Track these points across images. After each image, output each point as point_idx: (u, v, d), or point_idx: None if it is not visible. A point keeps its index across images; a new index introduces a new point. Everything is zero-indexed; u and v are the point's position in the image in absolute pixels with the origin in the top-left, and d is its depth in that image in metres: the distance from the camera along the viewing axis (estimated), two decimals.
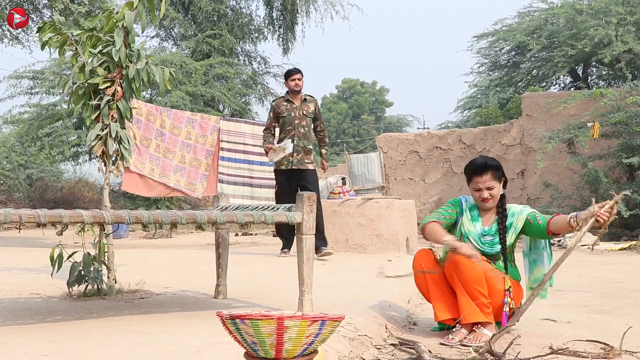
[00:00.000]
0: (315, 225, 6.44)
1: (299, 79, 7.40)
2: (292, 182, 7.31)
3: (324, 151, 7.77)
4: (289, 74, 7.48)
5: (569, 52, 15.35)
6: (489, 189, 3.73)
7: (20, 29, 13.85)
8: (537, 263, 3.88)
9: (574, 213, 3.64)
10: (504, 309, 3.62)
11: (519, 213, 3.78)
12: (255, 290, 4.86)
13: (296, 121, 7.36)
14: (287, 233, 7.47)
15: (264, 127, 7.65)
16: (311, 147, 7.47)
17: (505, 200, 3.82)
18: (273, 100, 7.65)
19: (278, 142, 7.39)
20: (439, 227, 3.71)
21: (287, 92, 7.54)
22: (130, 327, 3.36)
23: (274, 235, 12.66)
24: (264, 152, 7.44)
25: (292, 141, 7.26)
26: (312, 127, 7.54)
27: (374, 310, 4.05)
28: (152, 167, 9.29)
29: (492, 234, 3.75)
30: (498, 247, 3.73)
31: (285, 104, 7.44)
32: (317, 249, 6.99)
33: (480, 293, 3.54)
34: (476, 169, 3.76)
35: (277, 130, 7.58)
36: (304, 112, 7.41)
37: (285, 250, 7.53)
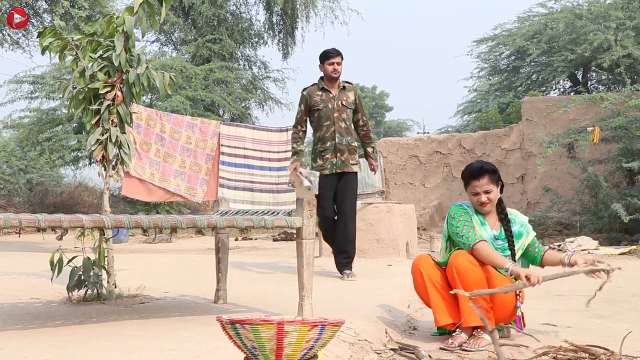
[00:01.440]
0: (344, 238, 6.08)
1: (338, 63, 6.05)
2: (333, 188, 6.10)
3: (370, 149, 6.36)
4: (326, 56, 6.08)
5: (569, 57, 15.37)
6: (486, 192, 3.73)
7: (20, 30, 13.87)
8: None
9: (569, 253, 3.75)
10: (517, 314, 3.66)
11: (525, 228, 3.81)
12: (255, 295, 4.86)
13: (335, 114, 6.03)
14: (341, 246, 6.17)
15: (294, 123, 6.26)
16: (356, 144, 6.19)
17: (503, 205, 3.84)
18: (304, 89, 6.19)
19: (315, 145, 6.14)
20: (492, 249, 3.64)
21: (321, 78, 6.16)
22: (130, 331, 3.36)
23: (274, 240, 12.66)
24: (290, 166, 6.22)
25: (334, 139, 6.01)
26: (353, 120, 6.22)
27: (374, 315, 4.05)
28: (152, 171, 9.29)
29: (502, 238, 3.77)
30: (508, 252, 3.76)
31: (319, 93, 6.09)
32: (341, 271, 6.09)
33: (481, 297, 3.54)
34: (473, 172, 3.77)
35: (311, 126, 6.27)
36: (344, 103, 6.07)
37: (347, 272, 6.07)
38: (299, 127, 6.17)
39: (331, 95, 6.07)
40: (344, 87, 6.14)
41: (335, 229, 6.11)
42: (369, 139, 6.39)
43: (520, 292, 3.68)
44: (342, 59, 6.14)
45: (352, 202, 6.11)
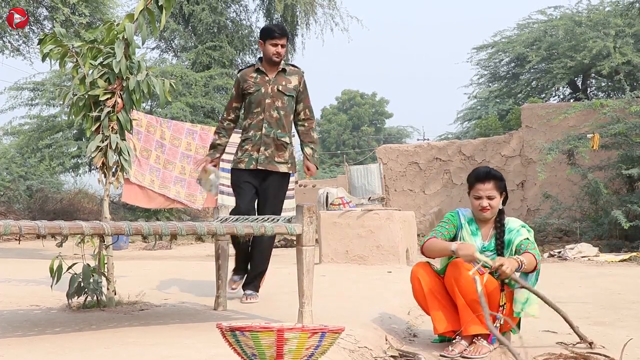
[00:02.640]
0: (259, 253, 5.05)
1: (282, 45, 5.03)
2: (253, 188, 5.02)
3: (308, 150, 5.12)
4: (269, 34, 5.04)
5: (568, 64, 15.40)
6: (489, 198, 3.72)
7: (21, 37, 13.90)
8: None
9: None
10: (495, 324, 3.50)
11: (516, 232, 3.75)
12: (255, 302, 4.86)
13: (267, 100, 4.97)
14: (242, 256, 5.19)
15: (223, 110, 5.43)
16: (287, 140, 5.06)
17: (503, 216, 3.80)
18: (239, 71, 5.23)
19: (240, 134, 5.16)
20: (438, 241, 3.69)
21: (260, 59, 5.16)
22: (130, 338, 3.35)
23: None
24: (199, 164, 5.34)
25: (260, 129, 4.97)
26: (293, 112, 5.13)
27: (374, 322, 4.05)
28: (152, 178, 9.29)
29: (492, 249, 3.73)
30: None
31: (254, 75, 5.06)
32: (243, 288, 5.11)
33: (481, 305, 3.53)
34: (480, 176, 3.77)
35: (243, 115, 5.28)
36: (280, 88, 5.01)
37: (236, 278, 5.18)
38: (226, 116, 5.17)
39: (267, 78, 5.03)
40: (284, 70, 5.07)
41: (253, 239, 5.03)
42: (310, 137, 5.15)
43: (505, 303, 3.61)
44: (288, 40, 5.29)
45: (275, 210, 4.98)
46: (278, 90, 5.01)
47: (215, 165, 5.12)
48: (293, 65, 5.18)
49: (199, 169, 5.20)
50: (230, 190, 9.71)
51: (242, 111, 5.20)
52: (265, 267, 5.16)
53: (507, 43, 18.43)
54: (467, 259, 3.51)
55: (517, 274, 3.55)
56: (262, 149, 4.95)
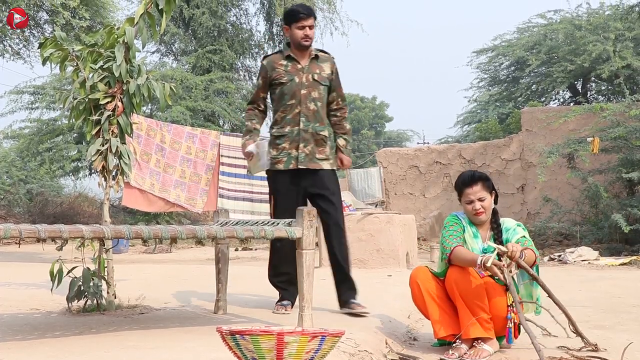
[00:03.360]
0: (337, 253, 4.54)
1: (310, 27, 4.52)
2: (297, 191, 4.52)
3: (341, 142, 4.73)
4: (294, 17, 4.53)
5: (568, 68, 15.41)
6: (480, 200, 3.73)
7: (21, 41, 13.92)
8: (525, 280, 3.82)
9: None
10: (508, 325, 3.62)
11: (512, 231, 3.76)
12: (255, 306, 4.85)
13: (303, 91, 4.51)
14: (284, 283, 4.62)
15: (249, 101, 4.81)
16: (326, 133, 4.63)
17: (498, 216, 3.82)
18: (264, 57, 4.72)
19: (270, 129, 4.70)
20: (465, 250, 3.68)
21: (287, 44, 4.68)
22: (130, 342, 3.35)
23: None
24: (242, 150, 4.71)
25: (297, 124, 4.50)
26: (326, 102, 4.68)
27: (374, 326, 4.04)
28: (152, 182, 9.29)
29: (491, 251, 3.73)
30: None
31: (284, 62, 4.57)
32: (345, 302, 4.51)
33: (480, 308, 3.54)
34: (466, 180, 3.79)
35: (272, 105, 4.79)
36: (316, 77, 4.56)
37: (284, 303, 4.56)
38: (255, 106, 4.73)
39: (299, 66, 4.55)
40: (316, 57, 4.62)
41: (327, 247, 4.63)
42: (342, 128, 4.76)
43: (513, 302, 3.64)
44: (316, 20, 4.67)
45: (339, 205, 4.60)
46: (313, 79, 4.54)
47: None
48: (322, 51, 4.70)
49: (249, 161, 4.70)
50: (230, 194, 9.81)
51: (271, 103, 4.73)
52: (349, 265, 4.64)
53: (507, 47, 18.45)
54: (494, 272, 3.50)
55: (523, 265, 3.58)
56: (301, 145, 4.48)
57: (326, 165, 4.56)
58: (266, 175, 4.65)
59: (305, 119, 4.51)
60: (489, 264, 3.44)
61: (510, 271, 3.55)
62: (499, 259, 3.54)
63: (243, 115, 18.04)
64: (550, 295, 3.67)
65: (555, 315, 3.81)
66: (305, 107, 4.51)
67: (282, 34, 19.28)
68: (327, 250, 4.65)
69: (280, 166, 4.51)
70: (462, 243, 3.75)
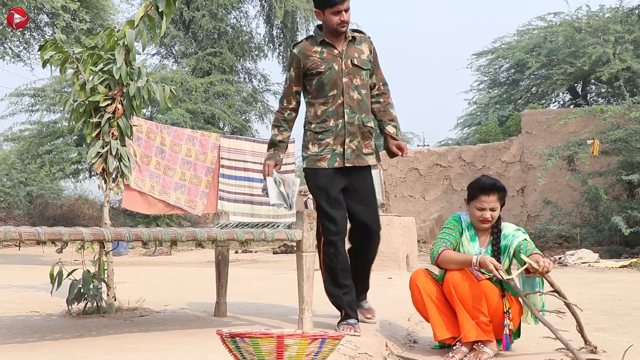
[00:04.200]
0: (370, 261, 4.19)
1: (346, 10, 3.96)
2: (338, 192, 4.00)
3: (391, 129, 4.21)
4: (329, 1, 3.94)
5: (568, 70, 15.43)
6: (492, 210, 3.70)
7: (21, 43, 13.92)
8: (528, 284, 3.81)
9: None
10: (504, 332, 3.61)
11: (512, 237, 3.75)
12: (255, 308, 4.85)
13: (345, 79, 3.98)
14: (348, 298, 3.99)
15: (280, 98, 4.18)
16: (372, 124, 4.15)
17: (500, 221, 3.80)
18: (294, 45, 4.16)
19: (309, 124, 4.07)
20: (454, 253, 3.69)
21: (319, 27, 4.11)
22: (130, 345, 3.35)
23: (274, 253, 12.64)
24: (264, 170, 4.08)
25: (342, 116, 3.98)
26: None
27: (374, 328, 4.04)
28: (153, 184, 9.29)
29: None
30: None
31: (318, 49, 4.02)
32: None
33: (479, 311, 3.53)
34: (486, 187, 3.72)
35: (305, 99, 4.16)
36: (356, 62, 4.03)
37: (350, 321, 3.87)
38: (285, 104, 4.11)
39: (336, 51, 4.01)
40: (353, 39, 4.09)
41: (353, 251, 4.15)
42: (389, 114, 4.21)
43: (510, 308, 3.64)
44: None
45: (376, 207, 4.18)
46: (353, 64, 4.02)
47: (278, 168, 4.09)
48: (358, 31, 4.16)
49: (266, 179, 4.02)
50: (230, 196, 9.80)
51: (305, 96, 4.14)
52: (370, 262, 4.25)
53: (507, 49, 18.47)
54: (489, 269, 3.50)
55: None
56: (347, 140, 3.99)
57: (372, 160, 4.13)
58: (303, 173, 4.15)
59: (350, 109, 3.98)
60: (489, 266, 3.46)
61: (510, 273, 3.56)
62: (528, 273, 3.57)
63: (243, 117, 18.08)
64: (566, 302, 3.69)
65: (561, 316, 3.79)
66: (349, 97, 3.99)
67: (281, 36, 19.33)
68: (354, 256, 4.13)
69: (324, 164, 3.98)
70: (457, 246, 3.75)
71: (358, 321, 3.89)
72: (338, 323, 3.88)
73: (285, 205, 3.94)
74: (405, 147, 4.15)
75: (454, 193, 14.63)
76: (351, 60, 4.01)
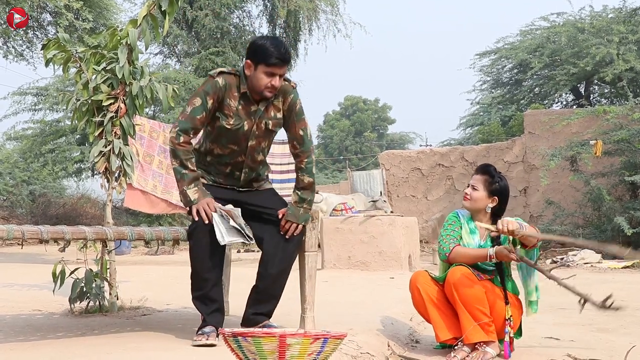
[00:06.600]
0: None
1: (281, 76, 3.53)
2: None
3: (294, 197, 3.66)
4: (266, 58, 3.46)
5: (571, 70, 15.39)
6: (473, 188, 3.79)
7: (24, 42, 13.94)
8: (529, 275, 3.82)
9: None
10: (505, 339, 3.61)
11: None
12: None
13: (251, 142, 3.62)
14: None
15: (180, 125, 3.51)
16: (267, 174, 3.89)
17: (499, 219, 3.81)
18: (218, 73, 3.58)
19: (203, 155, 3.70)
20: (466, 248, 3.74)
21: (244, 75, 3.55)
22: (132, 344, 3.35)
23: None
24: (185, 206, 3.54)
25: (239, 170, 3.68)
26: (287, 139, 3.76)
27: (376, 328, 4.04)
28: (155, 183, 9.30)
29: (489, 247, 3.74)
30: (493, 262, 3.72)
31: (237, 96, 3.56)
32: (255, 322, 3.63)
33: (481, 312, 3.53)
34: (477, 168, 3.91)
35: (206, 133, 3.68)
36: (270, 126, 3.64)
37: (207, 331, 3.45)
38: (190, 136, 3.52)
39: (252, 109, 3.58)
40: (274, 96, 3.61)
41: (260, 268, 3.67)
42: (300, 181, 3.69)
43: (511, 316, 3.64)
44: (289, 67, 3.85)
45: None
46: (267, 128, 3.64)
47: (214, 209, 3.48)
48: (285, 79, 3.64)
49: (211, 219, 3.43)
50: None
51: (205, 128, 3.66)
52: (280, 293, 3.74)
53: (509, 49, 18.43)
54: (509, 259, 3.58)
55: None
56: (234, 181, 3.72)
57: (266, 186, 3.84)
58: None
59: (249, 169, 3.68)
60: (504, 252, 3.54)
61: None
62: (504, 241, 3.64)
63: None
64: (548, 275, 3.60)
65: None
66: (251, 159, 3.66)
67: (284, 36, 19.31)
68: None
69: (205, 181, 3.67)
70: (459, 241, 3.77)
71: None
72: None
73: (243, 239, 3.49)
74: (291, 230, 3.55)
75: (457, 193, 14.61)
76: (265, 124, 3.62)
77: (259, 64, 3.48)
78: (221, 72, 3.58)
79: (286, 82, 3.64)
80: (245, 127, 3.57)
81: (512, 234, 3.49)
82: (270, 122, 3.63)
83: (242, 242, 3.52)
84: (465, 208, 3.85)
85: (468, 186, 3.83)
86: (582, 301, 3.38)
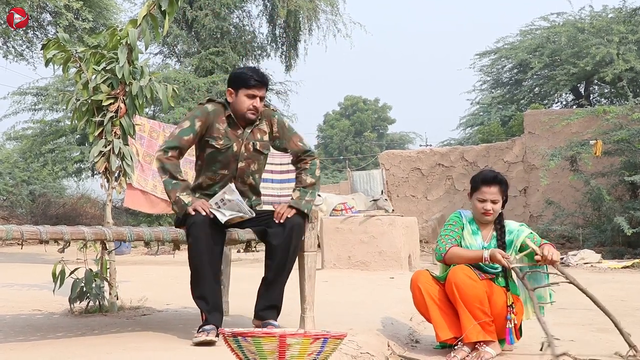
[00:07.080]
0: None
1: (261, 98, 3.77)
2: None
3: (295, 194, 3.77)
4: (245, 82, 3.73)
5: (571, 70, 15.40)
6: (493, 202, 3.72)
7: (24, 42, 13.94)
8: (534, 279, 3.82)
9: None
10: (508, 326, 3.62)
11: (517, 232, 3.77)
12: None
13: (241, 164, 3.79)
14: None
15: (167, 144, 3.70)
16: (261, 202, 4.03)
17: (502, 218, 3.82)
18: (208, 101, 3.84)
19: (201, 181, 3.83)
20: (462, 249, 3.73)
21: (227, 102, 3.81)
22: (132, 344, 3.35)
23: None
24: (180, 211, 3.59)
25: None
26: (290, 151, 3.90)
27: (376, 328, 4.04)
28: (155, 183, 9.29)
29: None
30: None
31: (225, 120, 3.77)
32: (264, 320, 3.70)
33: (482, 312, 3.53)
34: (486, 179, 3.76)
35: (197, 167, 3.90)
36: (258, 147, 3.82)
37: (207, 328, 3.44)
38: (177, 153, 3.68)
39: (239, 132, 3.78)
40: (259, 119, 3.83)
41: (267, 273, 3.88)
42: (301, 181, 3.80)
43: (513, 303, 3.65)
44: (267, 90, 3.89)
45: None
46: (255, 149, 3.80)
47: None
48: (265, 106, 3.88)
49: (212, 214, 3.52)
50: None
51: (196, 162, 3.89)
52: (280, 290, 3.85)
53: (509, 49, 18.43)
54: (501, 263, 3.57)
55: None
56: None
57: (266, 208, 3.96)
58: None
59: (240, 193, 3.73)
60: (497, 256, 3.53)
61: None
62: (535, 262, 3.63)
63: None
64: (590, 297, 3.69)
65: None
66: (242, 182, 3.81)
67: (284, 36, 19.32)
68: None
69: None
70: (460, 241, 3.76)
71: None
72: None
73: (243, 214, 3.62)
74: (283, 215, 3.63)
75: (457, 193, 14.62)
76: (253, 144, 3.80)
77: (239, 89, 3.75)
78: (210, 100, 3.85)
79: (266, 107, 3.89)
80: (235, 148, 3.77)
81: (552, 264, 3.57)
82: (257, 142, 3.82)
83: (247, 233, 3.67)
84: (485, 222, 3.81)
85: (483, 201, 3.72)
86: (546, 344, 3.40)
